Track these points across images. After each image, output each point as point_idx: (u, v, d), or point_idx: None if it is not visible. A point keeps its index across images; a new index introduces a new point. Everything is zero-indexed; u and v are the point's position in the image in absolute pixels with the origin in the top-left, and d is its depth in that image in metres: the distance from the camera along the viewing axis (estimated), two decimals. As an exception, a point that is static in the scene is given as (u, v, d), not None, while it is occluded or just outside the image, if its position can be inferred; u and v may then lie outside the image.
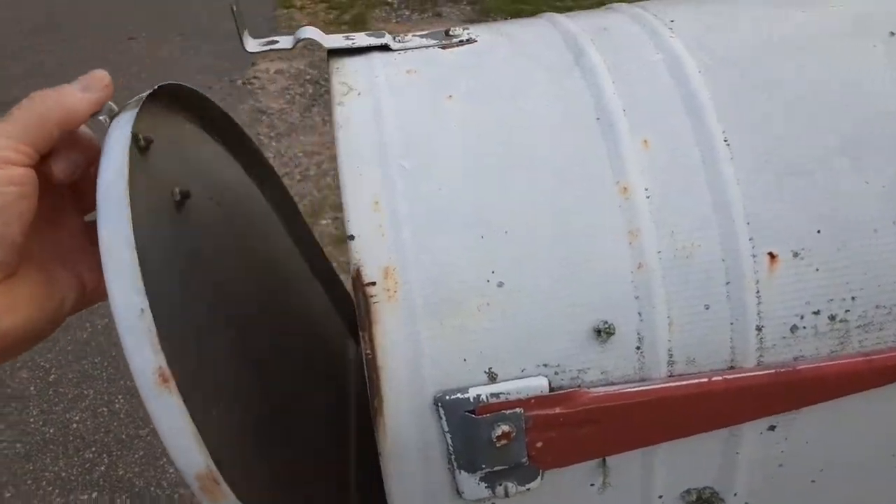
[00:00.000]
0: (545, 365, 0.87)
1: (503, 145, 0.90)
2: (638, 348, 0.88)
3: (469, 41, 1.02)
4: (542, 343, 0.87)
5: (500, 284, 0.86)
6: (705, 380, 0.89)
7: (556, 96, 0.94)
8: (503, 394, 0.86)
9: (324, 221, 4.75)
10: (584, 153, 0.90)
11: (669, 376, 0.90)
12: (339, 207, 4.88)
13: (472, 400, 0.86)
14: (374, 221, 0.86)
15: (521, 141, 0.90)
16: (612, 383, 0.89)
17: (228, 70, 6.27)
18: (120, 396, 4.05)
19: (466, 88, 0.95)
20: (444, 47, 1.01)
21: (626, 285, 0.87)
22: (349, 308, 1.78)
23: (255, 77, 6.34)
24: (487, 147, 0.90)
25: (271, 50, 1.00)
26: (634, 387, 0.89)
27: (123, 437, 3.93)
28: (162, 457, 3.76)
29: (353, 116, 0.92)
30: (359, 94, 0.94)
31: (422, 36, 1.03)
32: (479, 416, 0.86)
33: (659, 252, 0.87)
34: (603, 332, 0.86)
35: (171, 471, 3.73)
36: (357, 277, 0.85)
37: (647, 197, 0.88)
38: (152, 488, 3.66)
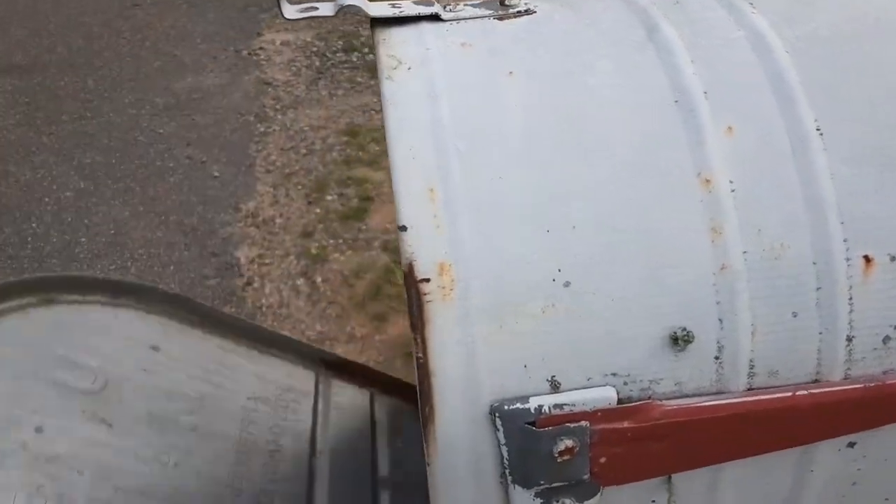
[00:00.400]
0: (614, 374, 0.79)
1: (570, 129, 0.81)
2: (717, 358, 0.80)
3: (527, 12, 0.92)
4: (611, 350, 0.78)
5: (567, 284, 0.77)
6: (789, 394, 0.81)
7: (627, 75, 0.84)
8: (567, 405, 0.78)
9: (329, 197, 4.66)
10: (661, 140, 0.81)
11: (748, 389, 0.82)
12: (344, 183, 4.79)
13: (532, 411, 0.78)
14: (428, 211, 0.77)
15: (589, 124, 0.81)
16: (686, 395, 0.81)
17: (234, 39, 6.13)
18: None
19: (527, 64, 0.85)
20: (500, 18, 0.92)
21: (708, 289, 0.78)
22: None
23: (260, 48, 6.20)
24: (552, 130, 0.81)
25: (311, 17, 0.90)
26: (711, 400, 0.80)
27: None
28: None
29: (403, 93, 0.83)
30: (409, 68, 0.85)
31: (475, 5, 0.94)
32: (541, 429, 0.78)
33: (744, 252, 0.78)
34: (680, 340, 0.78)
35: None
36: (409, 273, 0.76)
37: (732, 190, 0.79)
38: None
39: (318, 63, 5.77)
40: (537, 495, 0.83)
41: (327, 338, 3.75)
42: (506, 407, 0.77)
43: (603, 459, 0.81)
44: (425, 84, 0.83)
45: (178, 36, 6.16)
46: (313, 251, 4.17)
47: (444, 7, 0.93)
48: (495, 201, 0.78)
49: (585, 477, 0.82)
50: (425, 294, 0.76)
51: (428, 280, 0.76)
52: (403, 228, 0.76)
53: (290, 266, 4.14)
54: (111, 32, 6.14)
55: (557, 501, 0.84)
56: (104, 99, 5.26)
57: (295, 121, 5.16)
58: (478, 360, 0.77)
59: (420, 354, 0.76)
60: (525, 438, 0.78)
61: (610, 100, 0.82)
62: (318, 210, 4.45)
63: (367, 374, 2.04)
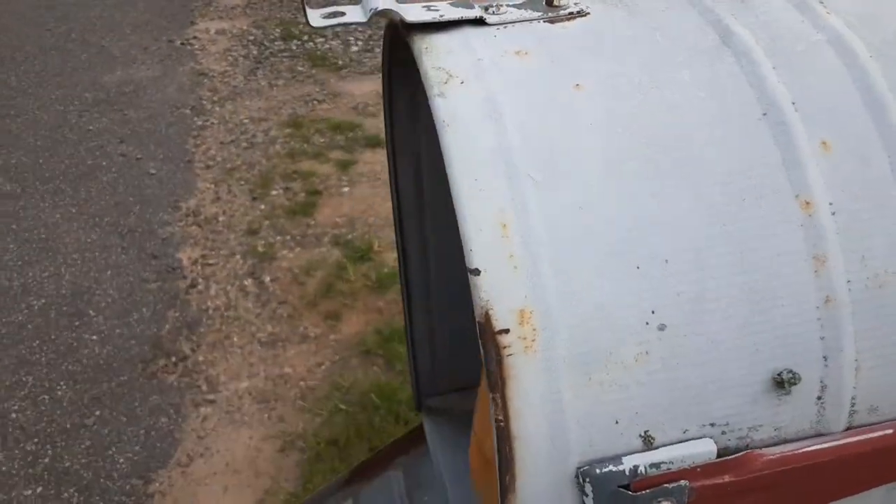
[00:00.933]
0: (712, 424, 0.71)
1: (654, 151, 0.72)
2: (819, 398, 0.72)
3: (580, 13, 0.82)
4: (709, 399, 0.70)
5: (662, 328, 0.68)
6: (890, 431, 0.74)
7: (708, 86, 0.75)
8: (664, 463, 0.69)
9: (274, 192, 4.48)
10: (753, 160, 0.72)
11: (847, 428, 0.74)
12: (290, 177, 4.60)
13: (627, 472, 0.69)
14: (503, 250, 0.67)
15: (675, 145, 0.72)
16: (786, 441, 0.73)
17: (165, 29, 5.84)
18: (62, 383, 3.77)
19: (595, 76, 0.75)
20: (551, 21, 0.82)
21: (812, 324, 0.70)
22: None
23: (194, 37, 5.92)
24: (635, 153, 0.72)
25: (338, 25, 0.78)
26: (812, 444, 0.73)
27: (68, 426, 3.65)
28: (111, 446, 3.51)
29: (461, 112, 0.72)
30: (462, 82, 0.74)
31: (518, 6, 0.83)
32: (637, 493, 0.69)
33: (848, 282, 0.71)
34: (786, 383, 0.70)
35: (121, 461, 3.49)
36: (486, 323, 0.66)
37: (833, 213, 0.71)
38: (102, 480, 3.42)
39: (255, 52, 5.54)
40: (625, 560, 0.74)
41: (279, 339, 3.61)
42: (597, 470, 0.68)
43: (698, 517, 0.73)
44: (484, 101, 0.72)
45: (106, 26, 5.84)
46: (260, 249, 3.99)
47: (487, 9, 0.82)
48: (578, 236, 0.68)
49: (679, 537, 0.74)
50: (505, 347, 0.66)
51: (507, 331, 0.66)
52: (476, 272, 0.66)
53: (236, 266, 3.96)
54: (34, 24, 5.77)
55: (646, 565, 0.75)
56: (28, 95, 4.93)
57: (234, 113, 4.94)
58: (564, 419, 0.67)
59: (501, 417, 0.66)
60: (619, 503, 0.69)
61: (694, 116, 0.72)
62: (263, 206, 4.27)
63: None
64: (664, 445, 0.70)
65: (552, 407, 0.67)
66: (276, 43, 5.64)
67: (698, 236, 0.70)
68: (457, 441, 1.42)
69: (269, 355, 3.56)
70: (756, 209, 0.70)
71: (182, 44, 5.63)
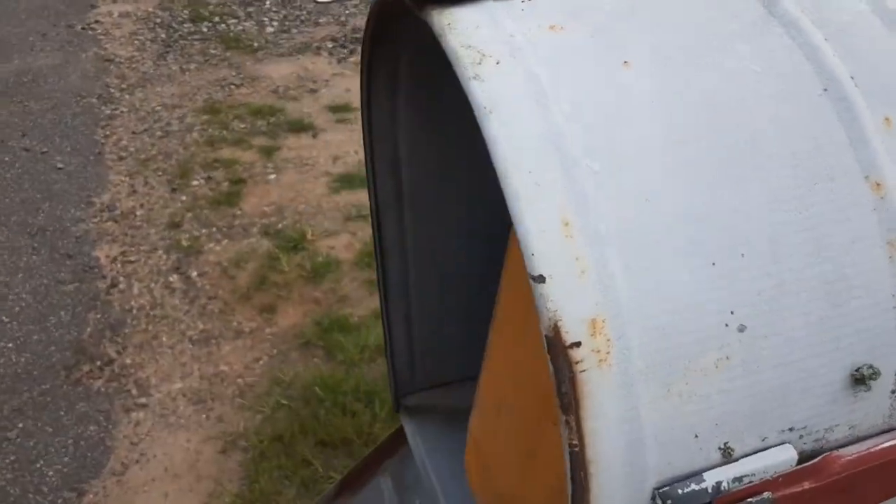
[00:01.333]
0: (790, 429, 0.65)
1: (714, 132, 0.65)
2: (893, 392, 0.68)
3: (609, -18, 0.74)
4: (789, 402, 0.64)
5: (742, 329, 0.62)
6: (960, 420, 0.71)
7: (764, 60, 0.69)
8: (747, 476, 0.63)
9: (195, 182, 4.26)
10: (819, 139, 0.66)
11: (917, 420, 0.70)
12: (211, 166, 4.38)
13: (710, 490, 0.62)
14: (568, 252, 0.59)
15: (738, 126, 0.65)
16: (859, 438, 0.68)
17: (64, 13, 5.49)
18: (-25, 396, 3.51)
19: (641, 50, 0.68)
20: (579, -9, 0.73)
21: (889, 314, 0.65)
22: None
23: (96, 21, 5.57)
24: (695, 135, 0.65)
25: (347, -2, 0.68)
26: (887, 441, 0.68)
27: (-14, 442, 3.41)
28: (38, 459, 3.30)
29: (503, 96, 0.63)
30: (497, 62, 0.65)
31: (539, -26, 0.75)
32: (720, 511, 0.63)
33: (923, 267, 0.66)
34: (867, 379, 0.64)
35: (50, 474, 3.27)
36: (555, 336, 0.58)
37: (904, 195, 0.66)
38: (31, 495, 3.20)
39: (164, 35, 5.25)
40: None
41: (211, 336, 3.44)
42: (679, 491, 0.61)
43: (774, 528, 0.68)
44: (526, 84, 0.64)
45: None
46: (184, 243, 3.79)
47: (507, -21, 0.73)
48: (647, 231, 0.61)
49: (754, 551, 0.68)
50: (577, 363, 0.58)
51: (579, 344, 0.58)
52: (541, 279, 0.58)
53: (159, 262, 3.74)
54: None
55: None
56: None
57: (145, 100, 4.67)
58: (643, 437, 0.61)
59: (575, 441, 0.58)
60: (700, 522, 0.63)
61: (753, 93, 0.66)
62: (184, 197, 4.05)
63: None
64: (744, 456, 0.64)
65: (629, 426, 0.60)
66: (185, 25, 5.36)
67: (772, 225, 0.63)
68: (443, 440, 1.35)
69: (203, 353, 3.38)
70: (828, 193, 0.65)
71: (83, 29, 5.28)
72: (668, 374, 0.60)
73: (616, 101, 0.64)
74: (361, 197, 3.97)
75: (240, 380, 3.24)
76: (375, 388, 3.08)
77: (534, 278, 0.57)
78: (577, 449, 0.57)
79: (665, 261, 0.60)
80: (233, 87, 4.73)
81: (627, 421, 0.59)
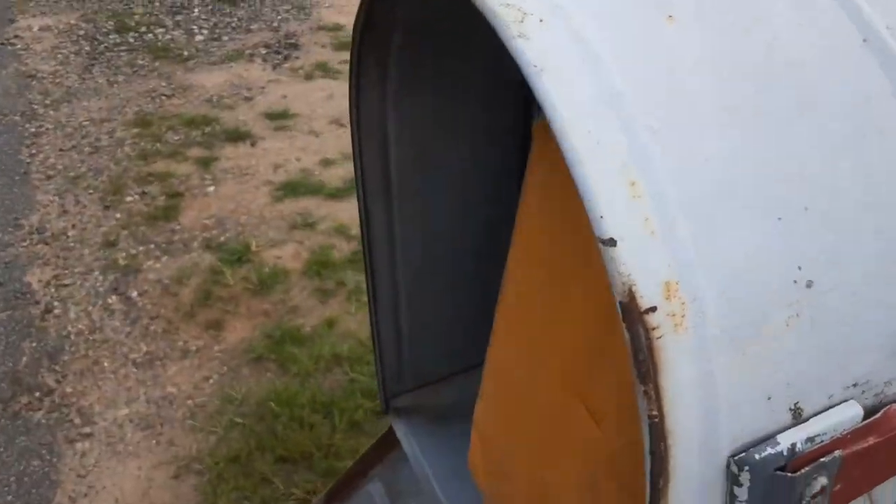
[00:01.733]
0: (854, 385, 0.64)
1: (766, 88, 0.63)
2: (948, 344, 0.67)
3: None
4: (852, 358, 0.63)
5: (810, 285, 0.60)
6: None
7: (801, 10, 0.68)
8: (819, 435, 0.61)
9: (129, 198, 4.08)
10: (867, 90, 0.65)
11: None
12: (145, 180, 4.22)
13: (785, 452, 0.60)
14: (638, 213, 0.56)
15: (785, 79, 0.64)
16: (915, 393, 0.68)
17: (-20, 28, 5.26)
18: None
19: (685, 4, 0.66)
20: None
21: (943, 265, 0.65)
22: None
23: (15, 36, 5.32)
24: (746, 91, 0.63)
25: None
26: (942, 393, 0.68)
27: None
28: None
29: (552, 55, 0.60)
30: (540, 20, 0.62)
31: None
32: (796, 473, 0.61)
33: (971, 216, 0.66)
34: (925, 332, 0.64)
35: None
36: (630, 302, 0.55)
37: (948, 144, 0.66)
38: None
39: (88, 48, 5.05)
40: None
41: (156, 358, 3.30)
42: (756, 455, 0.59)
43: (838, 487, 0.66)
44: (573, 42, 0.61)
45: None
46: (121, 262, 3.63)
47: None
48: (711, 190, 0.59)
49: (822, 513, 0.66)
50: (654, 328, 0.55)
51: (654, 309, 0.56)
52: (612, 242, 0.55)
53: (95, 283, 3.58)
54: None
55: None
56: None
57: (71, 116, 4.48)
58: (717, 404, 0.58)
59: (655, 412, 0.55)
60: (775, 488, 0.61)
61: (798, 46, 0.65)
62: (118, 215, 3.89)
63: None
64: (813, 416, 0.62)
65: (705, 392, 0.57)
66: (110, 36, 5.18)
67: (829, 177, 0.62)
68: (438, 439, 1.31)
69: (148, 376, 3.24)
70: (881, 143, 0.64)
71: (2, 44, 5.05)
72: (741, 336, 0.58)
73: (665, 59, 0.62)
74: (306, 204, 3.90)
75: (189, 401, 3.12)
76: (333, 398, 3.00)
77: (604, 241, 0.54)
78: (657, 420, 0.54)
79: (731, 220, 0.58)
80: (164, 97, 4.59)
81: (703, 386, 0.57)
